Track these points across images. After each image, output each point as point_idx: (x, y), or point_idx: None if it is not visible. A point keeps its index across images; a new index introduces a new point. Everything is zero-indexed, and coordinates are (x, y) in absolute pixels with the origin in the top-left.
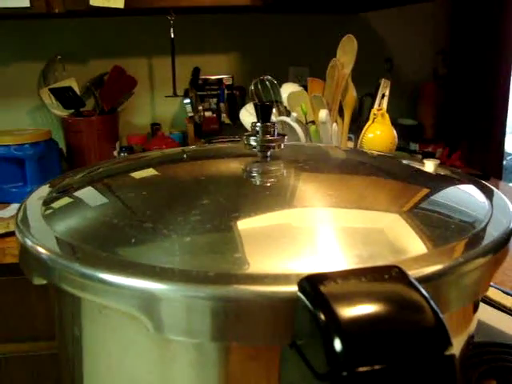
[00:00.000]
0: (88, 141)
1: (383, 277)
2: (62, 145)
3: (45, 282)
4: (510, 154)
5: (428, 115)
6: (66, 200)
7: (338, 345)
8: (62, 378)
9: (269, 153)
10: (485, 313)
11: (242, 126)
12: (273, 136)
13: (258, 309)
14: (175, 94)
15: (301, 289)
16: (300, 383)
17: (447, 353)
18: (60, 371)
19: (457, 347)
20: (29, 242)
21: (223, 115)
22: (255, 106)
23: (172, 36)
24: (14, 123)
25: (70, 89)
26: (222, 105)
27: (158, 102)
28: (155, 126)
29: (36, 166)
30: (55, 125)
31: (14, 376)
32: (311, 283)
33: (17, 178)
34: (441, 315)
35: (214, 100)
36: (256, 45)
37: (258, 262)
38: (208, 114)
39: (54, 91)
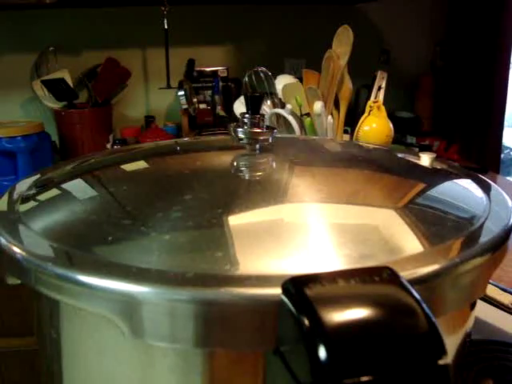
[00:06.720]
0: (81, 133)
1: (373, 279)
2: (54, 137)
3: (19, 281)
4: (507, 148)
5: (425, 108)
6: (44, 195)
7: (322, 353)
8: (41, 377)
9: (258, 145)
10: (482, 310)
11: (236, 118)
12: (262, 128)
13: (239, 312)
14: (169, 86)
15: (285, 291)
16: None
17: (441, 362)
18: (40, 371)
19: (453, 346)
20: (2, 241)
21: (218, 107)
22: (245, 97)
23: (166, 27)
24: (5, 115)
25: (62, 80)
26: (216, 97)
27: (152, 94)
28: (149, 119)
29: (28, 158)
30: (48, 117)
31: (4, 371)
32: (295, 285)
33: (8, 171)
34: (434, 320)
35: (209, 92)
36: (252, 36)
37: (241, 261)
38: (202, 106)
39: (46, 83)
